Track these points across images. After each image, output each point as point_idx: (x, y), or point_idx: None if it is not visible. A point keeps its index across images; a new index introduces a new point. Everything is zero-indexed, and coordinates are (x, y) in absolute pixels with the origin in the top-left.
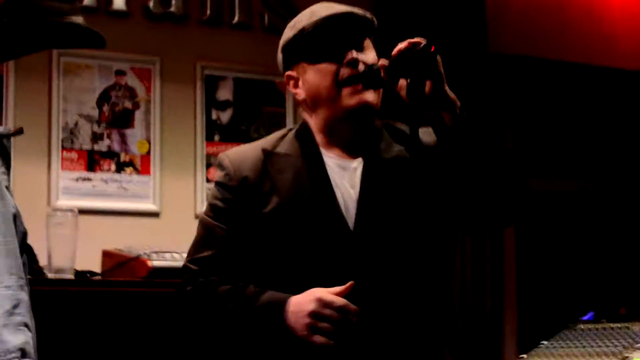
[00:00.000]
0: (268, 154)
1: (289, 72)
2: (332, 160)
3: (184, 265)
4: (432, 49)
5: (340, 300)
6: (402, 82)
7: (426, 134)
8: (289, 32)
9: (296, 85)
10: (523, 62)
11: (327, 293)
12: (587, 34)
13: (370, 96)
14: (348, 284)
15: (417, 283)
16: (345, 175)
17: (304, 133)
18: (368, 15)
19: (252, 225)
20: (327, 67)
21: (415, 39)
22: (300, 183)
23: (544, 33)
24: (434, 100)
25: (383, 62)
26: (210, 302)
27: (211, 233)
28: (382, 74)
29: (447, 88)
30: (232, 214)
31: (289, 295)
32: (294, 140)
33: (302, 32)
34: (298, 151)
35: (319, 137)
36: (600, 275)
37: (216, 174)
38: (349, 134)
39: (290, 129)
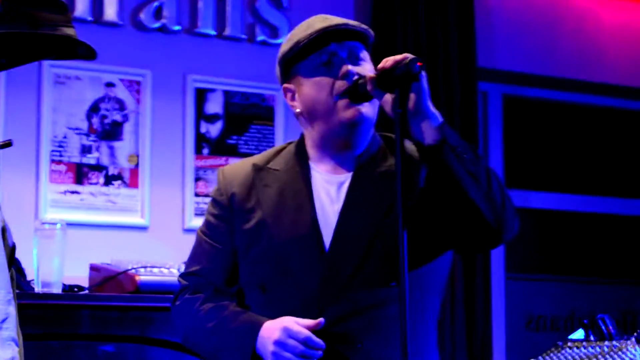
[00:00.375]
0: (257, 169)
1: (286, 85)
2: (320, 175)
3: (178, 279)
4: (419, 65)
5: (305, 332)
6: (387, 97)
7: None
8: (285, 45)
9: (293, 98)
10: (512, 77)
11: (294, 323)
12: (577, 49)
13: (365, 108)
14: (317, 321)
15: (394, 310)
16: (331, 191)
17: (298, 147)
18: (363, 27)
19: (237, 241)
20: (323, 81)
21: (402, 55)
22: (282, 199)
23: (533, 48)
24: (416, 115)
25: (369, 75)
26: (192, 320)
27: (201, 248)
28: (368, 87)
29: (430, 104)
30: (221, 229)
31: (264, 320)
32: (287, 154)
33: (298, 45)
34: (287, 166)
35: (311, 152)
36: (592, 291)
37: (213, 189)
38: (343, 147)
39: (290, 143)
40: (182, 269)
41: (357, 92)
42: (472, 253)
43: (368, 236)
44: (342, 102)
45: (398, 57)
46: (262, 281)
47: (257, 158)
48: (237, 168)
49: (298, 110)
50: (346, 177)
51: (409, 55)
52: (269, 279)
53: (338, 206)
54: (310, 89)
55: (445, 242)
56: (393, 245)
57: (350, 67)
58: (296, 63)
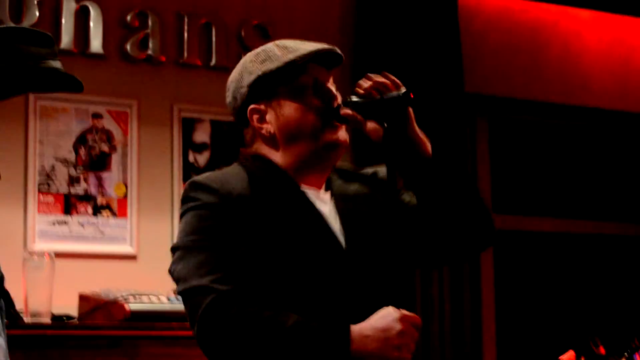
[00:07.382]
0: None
1: (254, 106)
2: (308, 191)
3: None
4: (412, 96)
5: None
6: (372, 125)
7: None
8: (265, 65)
9: (262, 120)
10: (499, 102)
11: (404, 312)
12: (563, 73)
13: (344, 131)
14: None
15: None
16: (322, 205)
17: (268, 168)
18: (340, 52)
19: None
20: (312, 102)
21: (381, 80)
22: (286, 207)
23: (520, 73)
24: (409, 140)
25: (355, 99)
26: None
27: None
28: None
29: (417, 129)
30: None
31: (346, 324)
32: (260, 178)
33: (291, 65)
34: (276, 188)
35: (292, 173)
36: (581, 311)
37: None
38: (321, 169)
39: (232, 167)
40: (172, 296)
41: (335, 114)
42: (458, 260)
43: (372, 239)
44: (326, 125)
45: (378, 80)
46: (283, 283)
47: (232, 187)
48: (231, 179)
49: (270, 131)
50: (327, 195)
51: (390, 82)
52: (290, 281)
53: (334, 216)
54: (295, 111)
55: (429, 250)
56: (390, 247)
57: (334, 89)
58: (280, 84)
